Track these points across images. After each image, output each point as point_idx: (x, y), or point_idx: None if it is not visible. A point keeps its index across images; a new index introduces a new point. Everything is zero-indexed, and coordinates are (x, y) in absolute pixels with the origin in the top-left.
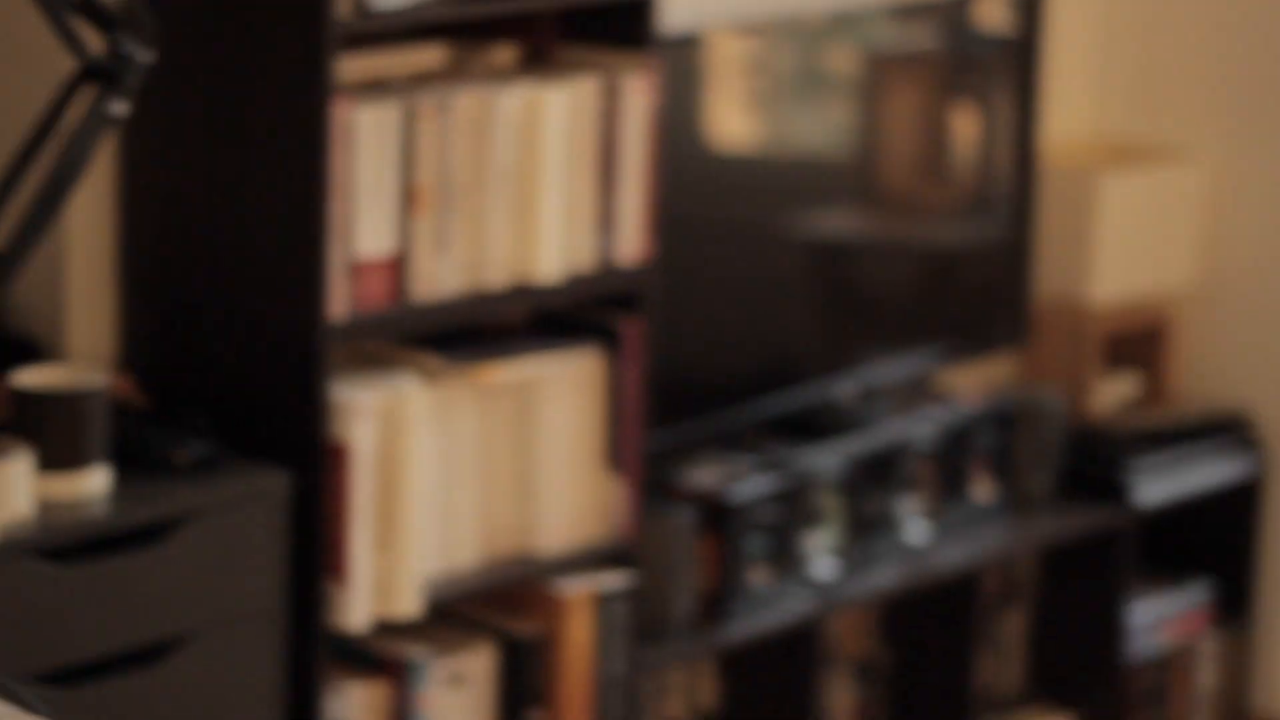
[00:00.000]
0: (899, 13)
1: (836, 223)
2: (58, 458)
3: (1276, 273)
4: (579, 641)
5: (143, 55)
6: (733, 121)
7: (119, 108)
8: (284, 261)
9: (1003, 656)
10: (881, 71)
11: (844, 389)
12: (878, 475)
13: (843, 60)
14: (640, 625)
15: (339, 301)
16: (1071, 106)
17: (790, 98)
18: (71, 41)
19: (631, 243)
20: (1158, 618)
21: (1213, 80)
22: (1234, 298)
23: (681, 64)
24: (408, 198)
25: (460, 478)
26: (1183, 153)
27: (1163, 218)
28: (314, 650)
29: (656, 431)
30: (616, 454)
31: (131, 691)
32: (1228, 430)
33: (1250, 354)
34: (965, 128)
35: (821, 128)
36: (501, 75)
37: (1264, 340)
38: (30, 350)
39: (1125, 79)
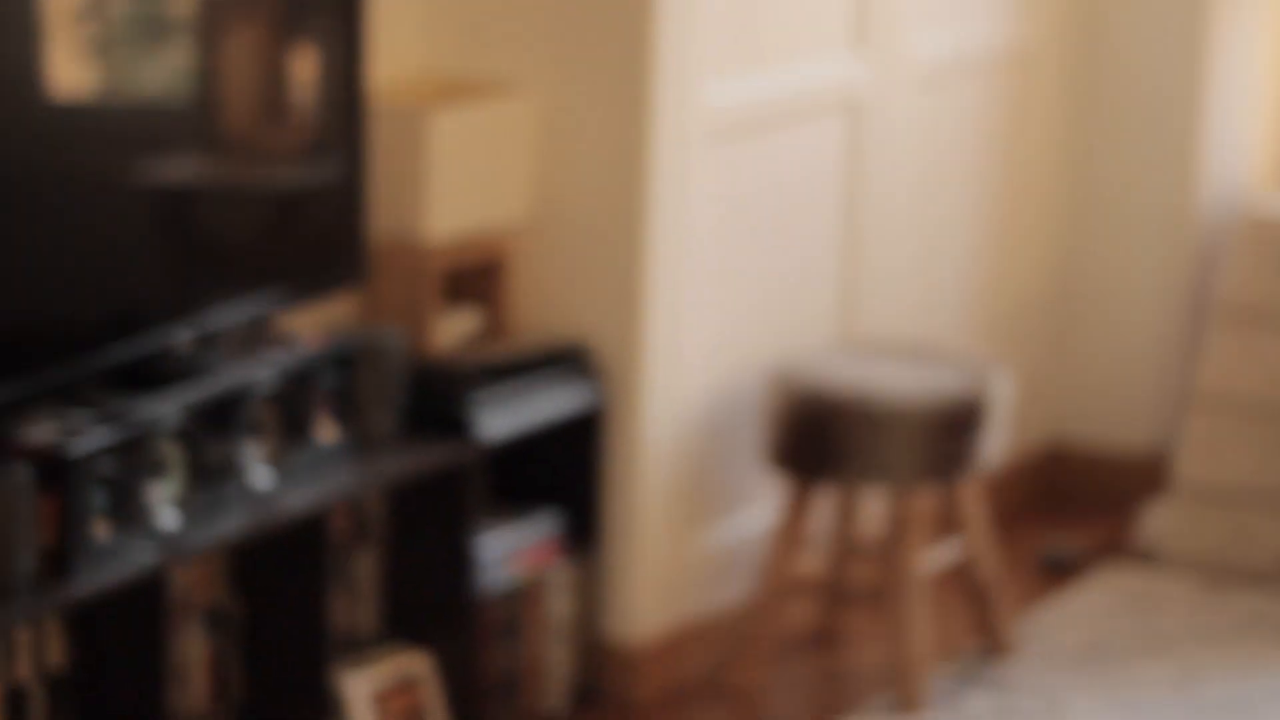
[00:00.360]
0: None
1: (175, 169)
2: None
3: (606, 203)
4: None
5: None
6: (68, 69)
7: None
8: None
9: (356, 597)
10: (219, 13)
11: (183, 336)
12: (218, 422)
13: (179, 3)
14: None
15: None
16: (400, 44)
17: (127, 43)
18: None
19: None
20: (507, 550)
21: (538, 14)
22: (568, 230)
23: (9, 11)
24: None
25: None
26: (512, 88)
27: (495, 153)
28: None
29: None
30: None
31: None
32: (567, 361)
33: (586, 284)
34: (302, 69)
35: (160, 73)
36: None
37: (598, 270)
38: None
39: (452, 15)
